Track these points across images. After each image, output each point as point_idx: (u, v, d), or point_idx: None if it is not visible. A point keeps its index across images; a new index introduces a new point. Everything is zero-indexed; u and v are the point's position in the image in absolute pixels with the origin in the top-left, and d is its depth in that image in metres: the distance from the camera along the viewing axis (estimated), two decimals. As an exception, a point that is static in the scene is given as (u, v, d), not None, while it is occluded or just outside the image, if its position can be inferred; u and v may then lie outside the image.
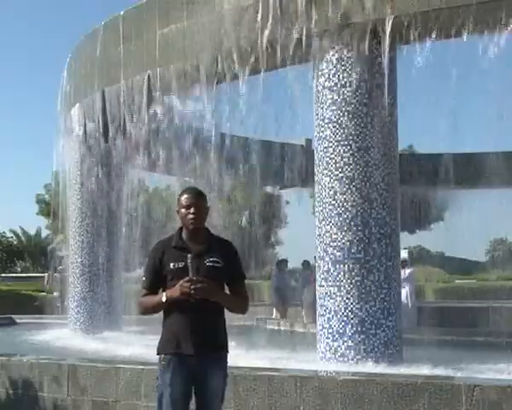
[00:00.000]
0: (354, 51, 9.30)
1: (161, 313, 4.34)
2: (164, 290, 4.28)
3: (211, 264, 4.24)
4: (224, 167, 16.80)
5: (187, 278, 4.10)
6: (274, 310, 18.05)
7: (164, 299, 4.19)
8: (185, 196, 4.37)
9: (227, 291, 4.37)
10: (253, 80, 10.82)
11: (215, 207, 20.44)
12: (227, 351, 4.37)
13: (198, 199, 4.36)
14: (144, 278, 4.40)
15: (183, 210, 4.33)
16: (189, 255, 4.17)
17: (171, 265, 4.26)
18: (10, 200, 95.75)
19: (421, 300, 25.83)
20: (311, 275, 14.53)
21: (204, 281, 4.10)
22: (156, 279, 4.33)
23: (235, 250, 4.45)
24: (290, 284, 18.68)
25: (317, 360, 9.32)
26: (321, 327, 9.40)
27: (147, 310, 4.36)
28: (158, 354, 4.30)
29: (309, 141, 18.51)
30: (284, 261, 19.41)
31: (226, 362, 4.36)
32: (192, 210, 4.29)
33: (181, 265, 4.21)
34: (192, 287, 4.06)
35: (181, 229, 4.40)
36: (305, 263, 18.10)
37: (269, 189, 27.46)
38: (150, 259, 4.40)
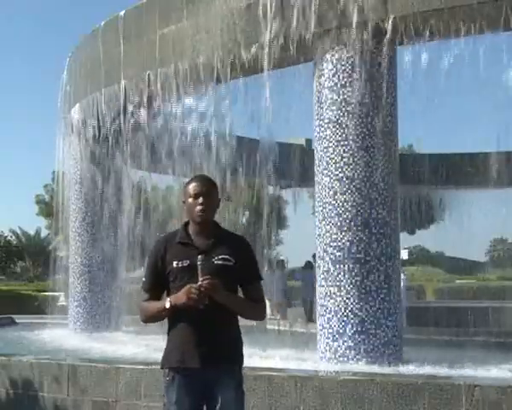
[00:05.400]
0: (354, 51, 9.30)
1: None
2: (168, 293, 3.73)
3: (220, 262, 3.67)
4: (223, 167, 16.78)
5: (196, 285, 3.53)
6: (272, 310, 18.06)
7: (167, 305, 3.64)
8: (193, 184, 3.78)
9: (240, 294, 3.82)
10: (253, 80, 10.83)
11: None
12: (241, 363, 3.80)
13: (208, 188, 3.78)
14: (144, 279, 3.84)
15: (190, 200, 3.74)
16: (199, 256, 3.59)
17: (175, 263, 3.69)
18: (10, 200, 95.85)
19: (422, 299, 25.86)
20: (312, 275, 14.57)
21: (211, 278, 3.55)
22: (158, 280, 3.77)
23: (249, 246, 3.85)
24: (286, 283, 18.79)
25: (317, 359, 9.33)
26: (321, 327, 9.40)
27: (148, 317, 3.82)
28: (161, 369, 3.78)
29: (309, 141, 18.52)
30: (281, 262, 19.73)
31: (240, 376, 3.78)
32: (200, 200, 3.71)
33: (185, 263, 3.67)
34: (203, 285, 3.53)
35: (187, 223, 3.83)
36: (308, 263, 18.14)
37: (269, 189, 27.44)
38: (151, 256, 3.82)
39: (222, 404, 3.65)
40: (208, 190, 3.77)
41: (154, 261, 3.80)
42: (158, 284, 3.79)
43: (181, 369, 3.68)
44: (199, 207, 3.72)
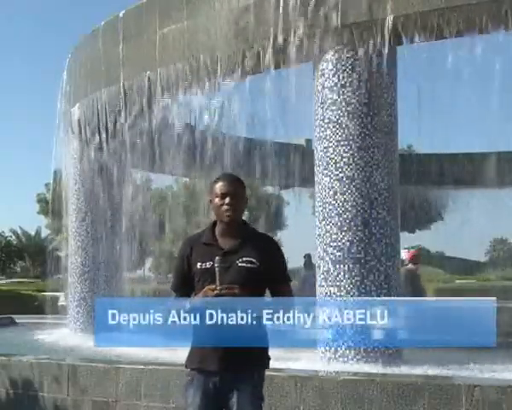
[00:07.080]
0: (354, 51, 9.30)
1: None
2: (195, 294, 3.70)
3: (244, 264, 3.62)
4: (223, 167, 16.79)
5: (212, 286, 3.53)
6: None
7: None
8: (220, 183, 3.73)
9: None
10: (253, 80, 10.83)
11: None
12: (264, 368, 3.76)
13: (235, 187, 3.72)
14: (172, 279, 3.90)
15: (217, 200, 3.70)
16: (216, 258, 3.56)
17: (198, 264, 3.68)
18: (10, 200, 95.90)
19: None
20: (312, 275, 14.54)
21: (231, 288, 3.53)
22: (184, 280, 3.77)
23: (277, 247, 3.81)
24: None
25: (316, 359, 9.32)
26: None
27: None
28: (185, 368, 3.80)
29: (309, 141, 18.50)
30: None
31: (261, 382, 3.74)
32: (227, 200, 3.67)
33: (208, 265, 3.63)
34: (215, 292, 3.52)
35: (214, 223, 3.79)
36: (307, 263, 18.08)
37: (269, 189, 27.46)
38: (178, 257, 3.83)
39: (238, 408, 3.63)
40: (236, 190, 3.72)
41: (181, 262, 3.80)
42: (185, 284, 3.79)
43: (200, 371, 3.68)
44: (225, 207, 3.68)
